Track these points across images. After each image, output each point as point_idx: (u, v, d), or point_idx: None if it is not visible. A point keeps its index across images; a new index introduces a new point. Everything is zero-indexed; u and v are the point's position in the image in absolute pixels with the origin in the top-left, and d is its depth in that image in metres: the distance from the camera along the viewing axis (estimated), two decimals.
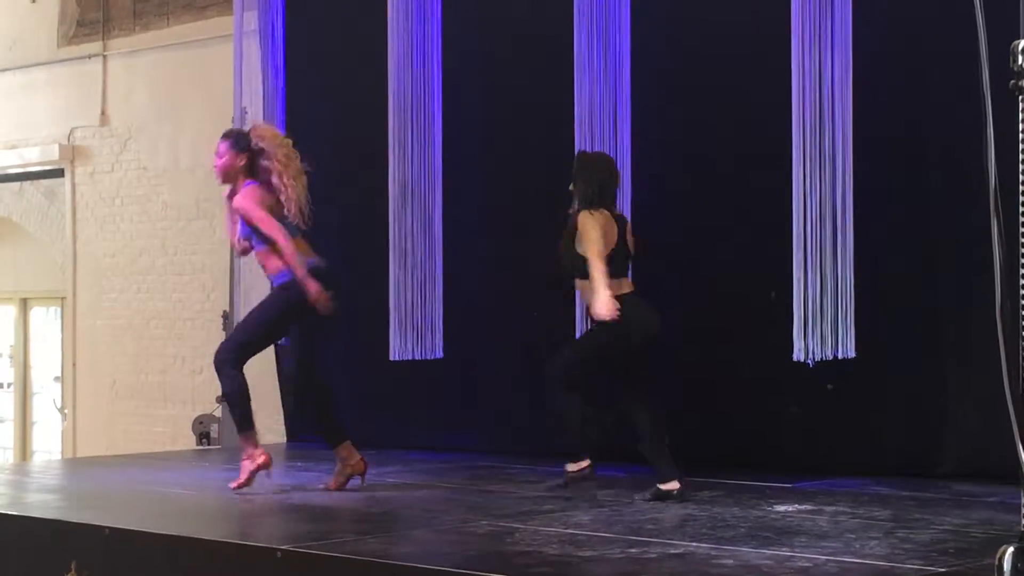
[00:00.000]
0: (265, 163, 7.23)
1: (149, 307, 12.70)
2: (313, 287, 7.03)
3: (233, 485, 7.19)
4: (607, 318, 6.67)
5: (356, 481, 7.37)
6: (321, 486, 7.40)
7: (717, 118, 8.27)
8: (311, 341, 7.42)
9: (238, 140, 7.36)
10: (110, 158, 13.09)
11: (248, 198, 7.18)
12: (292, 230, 7.19)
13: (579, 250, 6.84)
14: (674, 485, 6.75)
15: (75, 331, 13.40)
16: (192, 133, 12.00)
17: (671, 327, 8.39)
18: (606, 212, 6.90)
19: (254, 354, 7.43)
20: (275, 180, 7.21)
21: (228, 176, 7.34)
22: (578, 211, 6.91)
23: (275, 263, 7.20)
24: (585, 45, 8.57)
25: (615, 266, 6.84)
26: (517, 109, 9.11)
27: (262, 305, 7.42)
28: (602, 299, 6.68)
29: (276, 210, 7.19)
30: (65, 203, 13.51)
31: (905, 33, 7.64)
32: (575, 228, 6.88)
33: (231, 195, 7.32)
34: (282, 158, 7.22)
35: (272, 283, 7.36)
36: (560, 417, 6.96)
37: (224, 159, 7.30)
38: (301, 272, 7.06)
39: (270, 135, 7.42)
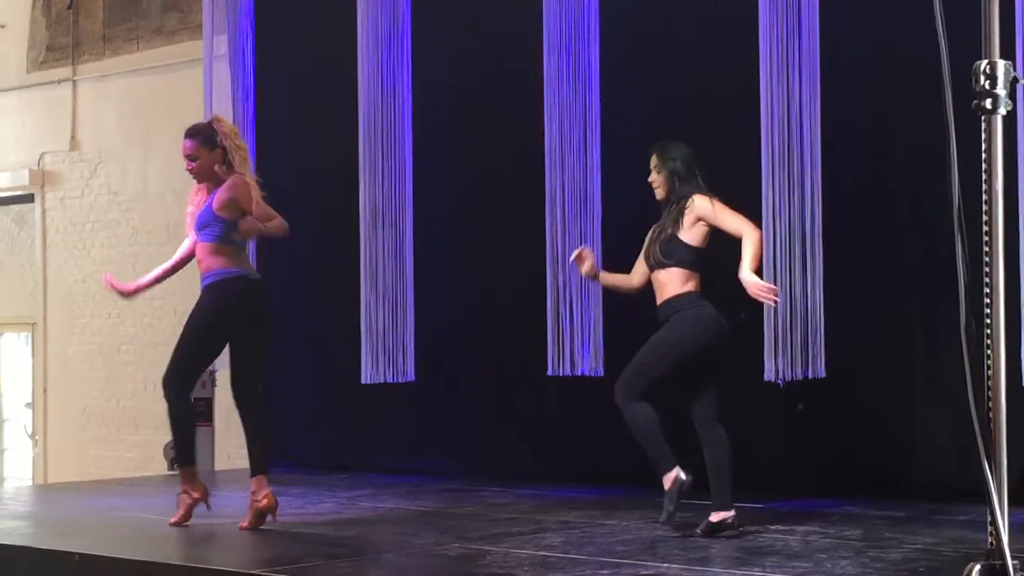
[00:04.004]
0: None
1: (120, 332, 12.67)
2: None
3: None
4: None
5: (268, 518, 6.84)
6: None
7: (686, 140, 8.27)
8: (256, 352, 7.01)
9: (208, 138, 6.96)
10: (80, 183, 13.07)
11: (246, 186, 6.85)
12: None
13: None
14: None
15: (46, 357, 13.35)
16: (162, 158, 11.96)
17: (639, 346, 8.41)
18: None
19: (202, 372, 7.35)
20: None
21: (205, 174, 6.97)
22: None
23: (222, 260, 6.87)
24: (555, 71, 8.60)
25: None
26: (487, 133, 9.13)
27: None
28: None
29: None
30: (35, 228, 13.47)
31: (874, 55, 7.69)
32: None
33: (209, 189, 6.95)
34: (241, 156, 6.99)
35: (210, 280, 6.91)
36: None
37: (200, 160, 6.93)
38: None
39: (231, 131, 7.09)
